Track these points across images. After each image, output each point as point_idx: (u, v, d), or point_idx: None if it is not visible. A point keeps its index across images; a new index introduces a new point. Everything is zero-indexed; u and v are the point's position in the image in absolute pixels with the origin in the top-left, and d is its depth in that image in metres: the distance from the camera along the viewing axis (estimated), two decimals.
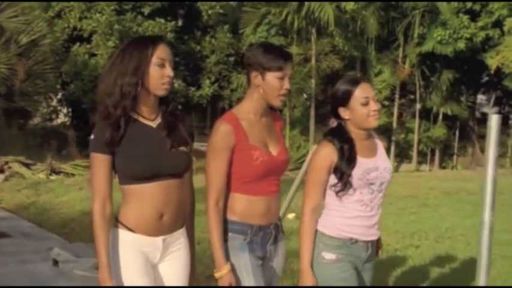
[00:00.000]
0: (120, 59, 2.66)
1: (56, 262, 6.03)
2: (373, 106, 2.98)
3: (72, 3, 20.18)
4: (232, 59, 22.68)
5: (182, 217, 2.84)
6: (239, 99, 20.82)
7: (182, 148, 2.78)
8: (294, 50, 17.62)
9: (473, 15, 18.95)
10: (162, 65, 2.66)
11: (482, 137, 22.63)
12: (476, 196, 10.81)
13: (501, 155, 21.50)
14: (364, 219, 3.05)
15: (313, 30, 17.98)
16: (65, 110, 24.05)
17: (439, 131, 20.97)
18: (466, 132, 23.25)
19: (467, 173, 17.94)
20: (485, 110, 24.70)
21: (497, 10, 18.04)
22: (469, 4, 18.52)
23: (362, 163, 3.01)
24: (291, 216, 9.03)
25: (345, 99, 3.01)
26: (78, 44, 19.94)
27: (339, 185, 2.98)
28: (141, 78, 2.63)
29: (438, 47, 18.71)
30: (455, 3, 18.40)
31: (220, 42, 22.21)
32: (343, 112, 3.03)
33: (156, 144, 2.71)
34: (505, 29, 16.74)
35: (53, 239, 7.35)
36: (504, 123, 21.24)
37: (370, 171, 3.01)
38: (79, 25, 20.06)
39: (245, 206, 2.88)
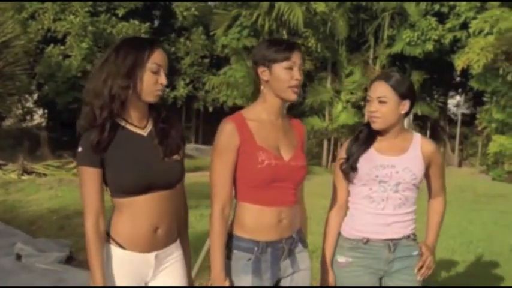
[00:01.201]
0: (113, 58, 2.46)
1: (19, 256, 6.15)
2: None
3: (46, 4, 20.26)
4: (207, 60, 22.90)
5: (176, 229, 2.68)
6: (213, 100, 21.12)
7: (175, 157, 2.60)
8: None
9: (442, 18, 19.36)
10: (157, 71, 2.48)
11: (453, 137, 23.08)
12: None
13: (472, 155, 21.95)
14: (376, 217, 2.91)
15: (284, 32, 18.23)
16: (40, 111, 24.14)
17: None
18: (438, 132, 23.65)
19: None
20: (454, 110, 25.14)
21: (464, 12, 18.46)
22: (437, 6, 18.91)
23: (374, 158, 2.91)
24: None
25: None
26: (52, 45, 20.01)
27: (346, 164, 2.92)
28: (133, 82, 2.45)
29: (407, 48, 19.10)
30: (424, 6, 18.79)
31: (195, 44, 22.43)
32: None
33: (149, 155, 2.52)
34: (471, 31, 17.09)
35: (18, 235, 7.45)
36: (471, 123, 21.68)
37: (382, 168, 2.89)
38: (53, 26, 20.13)
39: (254, 218, 2.63)
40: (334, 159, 18.03)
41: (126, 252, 2.51)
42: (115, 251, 2.50)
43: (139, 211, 2.49)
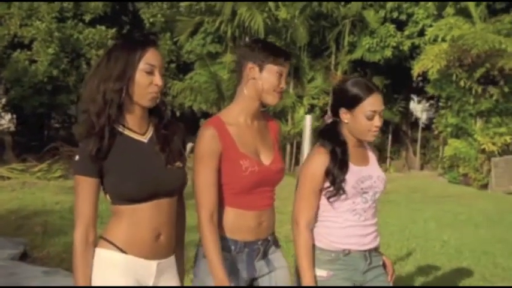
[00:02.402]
0: (105, 62, 2.40)
1: None
2: (377, 122, 2.82)
3: (12, 10, 20.41)
4: (173, 65, 23.18)
5: (175, 238, 2.59)
6: (180, 105, 21.43)
7: (178, 164, 2.52)
8: (228, 57, 18.34)
9: (401, 25, 19.91)
10: (150, 72, 2.40)
11: (416, 141, 23.65)
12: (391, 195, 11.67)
13: (433, 158, 22.51)
14: (358, 228, 2.90)
15: (247, 38, 18.64)
16: (8, 116, 24.22)
17: None
18: (400, 136, 24.20)
19: (394, 175, 18.90)
20: (419, 115, 25.69)
21: (422, 20, 19.05)
22: (395, 14, 19.47)
23: (356, 171, 2.87)
24: None
25: (351, 103, 2.83)
26: (19, 50, 20.16)
27: (331, 189, 2.81)
28: (126, 84, 2.38)
29: (367, 54, 19.60)
30: (382, 13, 19.36)
31: (161, 50, 22.64)
32: (344, 114, 2.87)
33: (150, 162, 2.45)
34: (427, 38, 17.67)
35: None
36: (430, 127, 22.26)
37: (365, 179, 2.88)
38: (19, 32, 20.29)
39: (235, 220, 2.63)
40: (297, 162, 18.46)
41: (128, 257, 2.42)
42: (113, 255, 2.41)
43: (141, 218, 2.41)
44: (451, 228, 9.44)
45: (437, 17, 18.62)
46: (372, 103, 2.78)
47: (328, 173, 2.79)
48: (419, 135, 23.07)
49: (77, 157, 2.37)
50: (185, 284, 2.74)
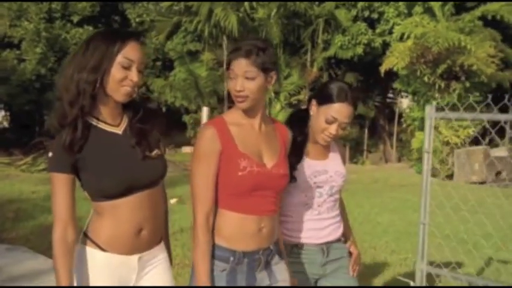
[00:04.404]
0: (83, 51, 2.30)
1: None
2: (333, 129, 2.83)
3: (2, 11, 21.30)
4: (159, 63, 24.05)
5: (160, 230, 2.55)
6: (166, 101, 22.25)
7: (156, 152, 2.45)
8: (206, 55, 19.24)
9: (373, 23, 20.76)
10: (127, 67, 2.30)
11: (392, 134, 24.46)
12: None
13: (405, 151, 23.32)
14: (311, 222, 2.89)
15: (224, 37, 19.50)
16: (2, 113, 25.13)
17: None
18: (377, 130, 25.01)
19: (368, 167, 19.71)
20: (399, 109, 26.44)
21: (392, 18, 19.89)
22: (367, 13, 20.32)
23: (310, 165, 2.88)
24: (172, 201, 10.08)
25: (321, 100, 2.87)
26: (8, 50, 21.05)
27: None
28: (100, 76, 2.28)
29: (339, 52, 20.47)
30: (354, 12, 20.21)
31: (147, 48, 23.63)
32: (313, 106, 2.91)
33: (126, 155, 2.37)
34: (394, 36, 18.49)
35: None
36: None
37: (319, 174, 2.88)
38: (9, 32, 21.18)
39: (234, 226, 2.49)
40: None
41: (107, 255, 2.37)
42: (94, 253, 2.37)
43: (122, 214, 2.35)
44: (392, 212, 10.19)
45: (407, 16, 19.45)
46: (337, 110, 2.80)
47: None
48: (395, 128, 23.86)
49: (50, 154, 2.28)
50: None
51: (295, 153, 2.80)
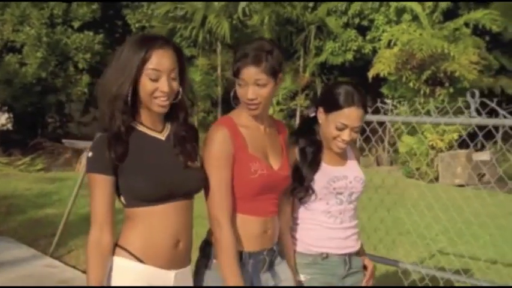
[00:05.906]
0: (119, 54, 2.28)
1: None
2: (345, 136, 2.70)
3: (5, 16, 21.97)
4: None
5: (192, 246, 2.46)
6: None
7: (196, 163, 2.41)
8: (201, 60, 19.86)
9: (364, 30, 21.30)
10: (155, 79, 2.23)
11: (384, 138, 24.91)
12: None
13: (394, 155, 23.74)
14: (334, 231, 2.81)
15: (218, 43, 20.12)
16: (6, 115, 25.79)
17: None
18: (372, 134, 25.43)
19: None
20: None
21: (382, 26, 20.42)
22: (357, 20, 20.89)
23: (328, 171, 2.78)
24: None
25: (328, 107, 2.73)
26: (11, 54, 21.70)
27: (300, 189, 2.73)
28: (132, 84, 2.24)
29: (330, 57, 21.00)
30: (345, 19, 20.78)
31: None
32: (321, 114, 2.79)
33: (168, 161, 2.33)
34: (381, 43, 19.05)
35: None
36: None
37: (337, 179, 2.78)
38: (12, 37, 21.83)
39: (240, 227, 2.48)
40: None
41: (145, 267, 2.27)
42: (130, 264, 2.27)
43: (157, 222, 2.27)
44: (363, 211, 10.67)
45: (396, 23, 19.96)
46: (347, 116, 2.67)
47: (296, 172, 2.71)
48: (387, 132, 24.30)
49: (90, 153, 2.23)
50: None
51: (310, 165, 2.75)
